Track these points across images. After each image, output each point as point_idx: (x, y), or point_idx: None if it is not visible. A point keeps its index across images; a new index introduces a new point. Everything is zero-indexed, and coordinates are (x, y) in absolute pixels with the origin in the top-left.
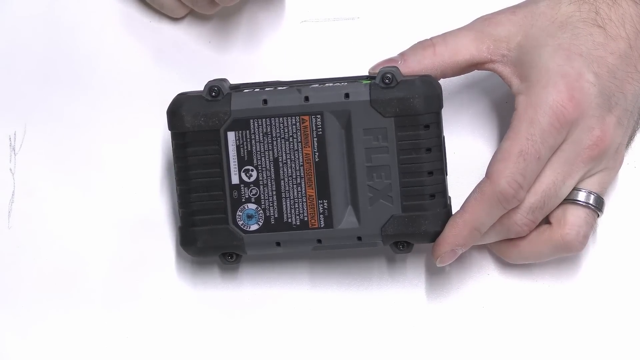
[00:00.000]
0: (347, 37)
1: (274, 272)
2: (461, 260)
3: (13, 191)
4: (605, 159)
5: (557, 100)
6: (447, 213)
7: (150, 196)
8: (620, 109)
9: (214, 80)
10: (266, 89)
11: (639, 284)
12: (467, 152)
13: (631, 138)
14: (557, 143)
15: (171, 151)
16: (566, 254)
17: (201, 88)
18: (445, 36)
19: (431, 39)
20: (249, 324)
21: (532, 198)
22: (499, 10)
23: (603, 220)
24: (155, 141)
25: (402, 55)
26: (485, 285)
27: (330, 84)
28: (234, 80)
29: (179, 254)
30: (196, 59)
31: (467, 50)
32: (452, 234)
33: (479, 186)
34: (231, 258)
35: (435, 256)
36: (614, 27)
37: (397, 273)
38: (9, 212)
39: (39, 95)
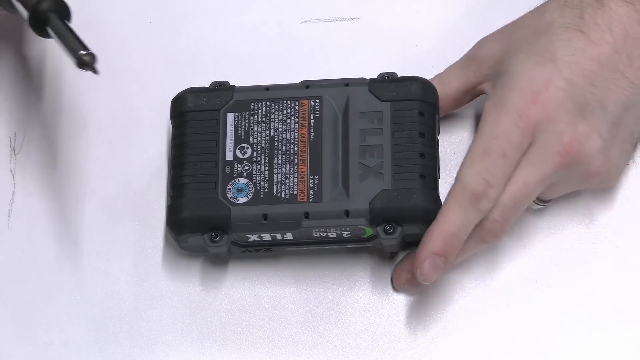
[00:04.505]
0: (347, 37)
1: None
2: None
3: (13, 191)
4: (576, 167)
5: (519, 102)
6: (436, 196)
7: (150, 197)
8: (596, 118)
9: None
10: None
11: None
12: (461, 155)
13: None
14: (524, 144)
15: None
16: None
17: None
18: (441, 73)
19: (432, 78)
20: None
21: (502, 196)
22: (491, 33)
23: (605, 221)
24: (155, 140)
25: None
26: (485, 285)
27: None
28: (234, 80)
29: (169, 255)
30: (196, 59)
31: (457, 79)
32: (427, 242)
33: (449, 191)
34: (216, 237)
35: (414, 268)
36: (599, 31)
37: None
38: (9, 212)
39: (39, 95)
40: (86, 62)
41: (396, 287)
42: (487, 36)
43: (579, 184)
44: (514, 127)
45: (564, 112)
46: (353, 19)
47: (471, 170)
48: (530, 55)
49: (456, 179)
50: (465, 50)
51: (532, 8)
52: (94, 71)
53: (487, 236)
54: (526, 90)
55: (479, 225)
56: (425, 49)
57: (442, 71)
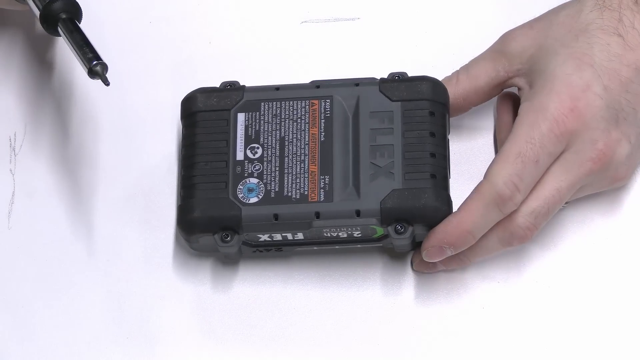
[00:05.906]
0: (347, 38)
1: (272, 275)
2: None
3: (13, 191)
4: (605, 172)
5: (558, 108)
6: (447, 196)
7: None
8: (628, 125)
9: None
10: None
11: None
12: (469, 155)
13: None
14: (557, 151)
15: (171, 152)
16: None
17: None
18: (467, 64)
19: (457, 70)
20: (246, 325)
21: (535, 202)
22: (519, 25)
23: (605, 220)
24: (155, 140)
25: None
26: (485, 285)
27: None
28: (233, 80)
29: (179, 255)
30: (196, 60)
31: (485, 73)
32: (442, 230)
33: (476, 187)
34: (227, 237)
35: (422, 248)
36: (636, 36)
37: (397, 273)
38: (9, 213)
39: (39, 95)
40: (97, 72)
41: (415, 268)
42: (514, 29)
43: (603, 187)
44: (550, 133)
45: (600, 119)
46: (353, 19)
47: (502, 172)
48: (568, 58)
49: (485, 175)
50: (466, 50)
51: (533, 10)
52: (105, 82)
53: (515, 241)
54: (564, 95)
55: (508, 228)
56: (426, 49)
57: (467, 63)
